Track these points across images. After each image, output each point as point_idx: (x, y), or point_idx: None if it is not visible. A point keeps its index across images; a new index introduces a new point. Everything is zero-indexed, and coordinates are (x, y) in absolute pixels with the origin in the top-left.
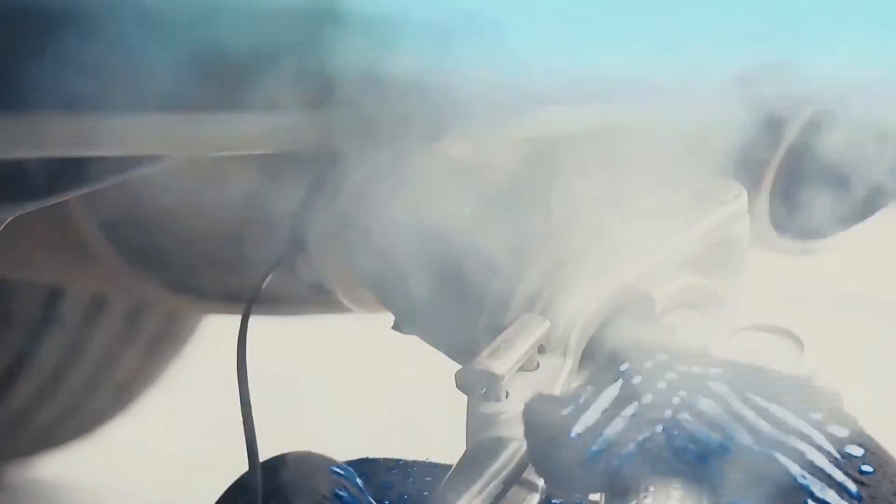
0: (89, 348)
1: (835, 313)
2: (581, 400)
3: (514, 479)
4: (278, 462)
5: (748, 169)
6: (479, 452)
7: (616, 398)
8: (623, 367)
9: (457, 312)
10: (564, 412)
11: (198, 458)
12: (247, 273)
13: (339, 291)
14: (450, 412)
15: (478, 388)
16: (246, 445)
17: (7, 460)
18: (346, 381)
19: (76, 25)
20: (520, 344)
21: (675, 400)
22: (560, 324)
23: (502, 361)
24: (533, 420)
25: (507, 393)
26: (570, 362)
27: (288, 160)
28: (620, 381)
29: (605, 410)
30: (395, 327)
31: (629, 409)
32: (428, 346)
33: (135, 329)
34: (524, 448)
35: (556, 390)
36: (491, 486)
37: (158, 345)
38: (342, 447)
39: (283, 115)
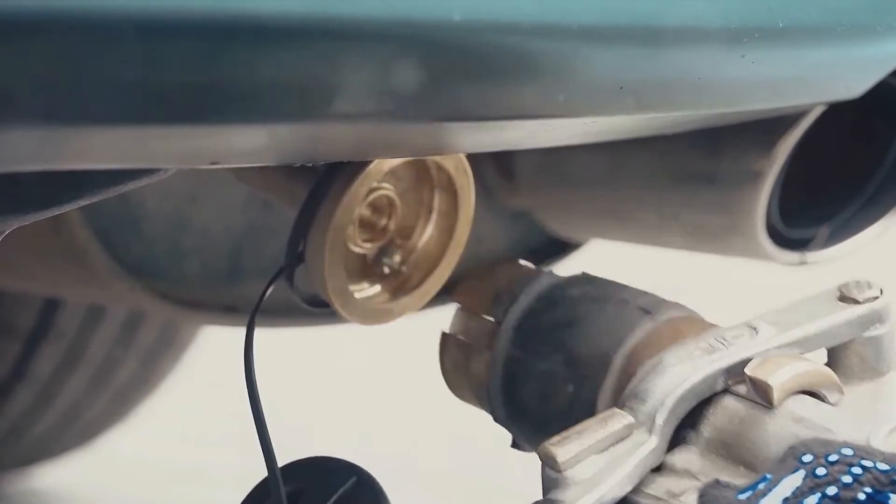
0: (86, 358)
1: None
2: (760, 486)
3: None
4: (298, 466)
5: (745, 179)
6: None
7: (798, 488)
8: (806, 459)
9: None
10: (742, 497)
11: (195, 468)
12: (244, 285)
13: (335, 303)
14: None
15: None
16: (262, 452)
17: (4, 470)
18: (346, 391)
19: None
20: (590, 435)
21: (861, 495)
22: (648, 400)
23: (567, 449)
24: None
25: (573, 480)
26: (656, 440)
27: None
28: (802, 472)
29: (786, 499)
30: (514, 445)
31: (812, 499)
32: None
33: (132, 339)
34: None
35: (631, 465)
36: None
37: (155, 354)
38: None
39: (280, 127)
